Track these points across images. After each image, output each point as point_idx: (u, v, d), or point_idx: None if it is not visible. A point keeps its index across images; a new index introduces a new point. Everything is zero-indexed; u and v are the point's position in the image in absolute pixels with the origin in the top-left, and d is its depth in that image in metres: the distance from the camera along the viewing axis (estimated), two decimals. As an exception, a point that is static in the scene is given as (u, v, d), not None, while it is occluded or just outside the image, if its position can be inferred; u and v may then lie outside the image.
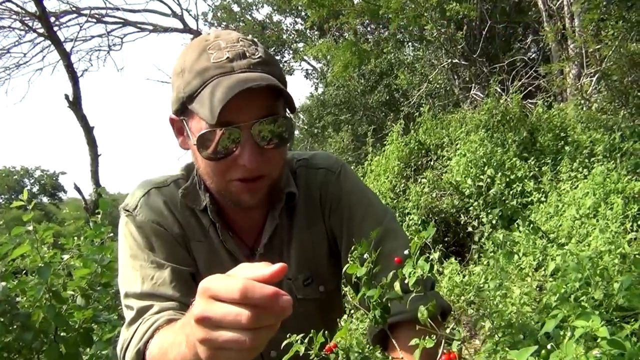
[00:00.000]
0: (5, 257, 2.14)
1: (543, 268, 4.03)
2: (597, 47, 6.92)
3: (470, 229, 5.75)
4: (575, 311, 0.85)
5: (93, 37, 12.69)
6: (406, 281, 0.84)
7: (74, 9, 11.53)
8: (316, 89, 19.45)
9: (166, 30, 15.05)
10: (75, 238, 2.57)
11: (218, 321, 0.65)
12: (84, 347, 2.18)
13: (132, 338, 1.04)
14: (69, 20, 11.66)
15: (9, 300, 2.00)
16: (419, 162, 7.33)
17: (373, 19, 12.44)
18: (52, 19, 10.03)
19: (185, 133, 1.11)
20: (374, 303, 0.90)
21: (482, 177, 5.91)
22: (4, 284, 2.04)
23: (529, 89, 8.79)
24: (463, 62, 10.08)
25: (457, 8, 8.98)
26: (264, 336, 0.65)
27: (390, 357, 0.97)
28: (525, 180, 5.68)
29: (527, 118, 6.61)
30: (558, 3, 8.53)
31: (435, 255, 0.83)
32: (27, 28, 10.17)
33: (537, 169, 5.80)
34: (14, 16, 9.78)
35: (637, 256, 3.20)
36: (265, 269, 0.65)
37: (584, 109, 6.91)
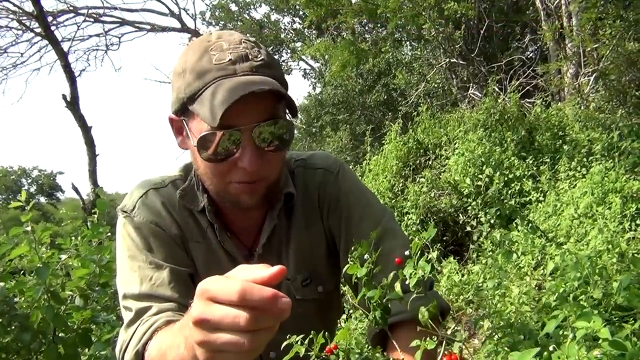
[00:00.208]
0: (3, 258, 2.14)
1: (542, 267, 4.03)
2: (595, 46, 6.92)
3: (468, 228, 5.75)
4: (575, 311, 0.85)
5: (90, 36, 12.69)
6: (406, 282, 0.83)
7: (71, 8, 11.52)
8: (314, 88, 19.47)
9: (164, 29, 15.03)
10: (73, 238, 2.56)
11: (216, 323, 0.64)
12: (82, 347, 2.18)
13: (130, 339, 1.03)
14: (67, 19, 11.68)
15: (7, 300, 2.00)
16: (417, 162, 7.34)
17: (371, 18, 12.43)
18: (50, 19, 10.01)
19: (185, 133, 1.10)
20: (374, 304, 0.89)
21: (480, 176, 5.91)
22: (2, 284, 2.03)
23: (527, 88, 8.80)
24: (461, 62, 10.08)
25: (455, 7, 8.98)
26: (262, 338, 0.64)
27: (391, 359, 0.96)
28: (524, 180, 5.68)
29: (525, 117, 6.61)
30: (556, 2, 8.53)
31: (434, 255, 0.83)
32: (24, 28, 10.15)
33: (535, 168, 5.81)
34: (11, 15, 9.77)
35: (635, 255, 3.20)
36: (264, 271, 0.64)
37: (582, 108, 6.91)
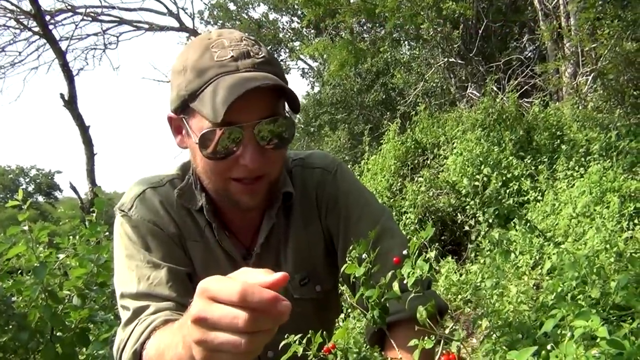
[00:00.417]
0: (1, 257, 2.13)
1: (539, 267, 4.04)
2: (593, 46, 6.93)
3: (466, 227, 5.76)
4: (573, 310, 0.85)
5: (89, 35, 12.68)
6: (405, 281, 0.83)
7: (69, 7, 11.49)
8: (312, 87, 19.49)
9: (162, 28, 15.01)
10: (71, 237, 2.55)
11: (215, 323, 0.64)
12: (80, 347, 2.17)
13: (128, 339, 1.03)
14: (65, 18, 11.64)
15: (4, 300, 1.99)
16: (416, 161, 7.34)
17: (369, 17, 12.43)
18: (47, 18, 9.98)
19: (185, 131, 1.10)
20: (373, 303, 0.89)
21: (478, 176, 5.91)
22: (-1, 283, 2.03)
23: (525, 87, 8.80)
24: (459, 61, 10.08)
25: (453, 7, 8.98)
26: (260, 340, 0.64)
27: (390, 359, 0.96)
28: (522, 179, 5.69)
29: (524, 117, 6.62)
30: (554, 2, 8.54)
31: (432, 254, 0.83)
32: (22, 26, 10.13)
33: (533, 168, 5.81)
34: (9, 14, 9.75)
35: (633, 255, 3.21)
36: (267, 276, 0.64)
37: (580, 107, 6.92)
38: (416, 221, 5.93)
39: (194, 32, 15.90)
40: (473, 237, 5.53)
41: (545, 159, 5.85)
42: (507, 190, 5.71)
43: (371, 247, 0.91)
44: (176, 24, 15.67)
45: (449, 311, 1.09)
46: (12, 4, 9.36)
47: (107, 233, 2.49)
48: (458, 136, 6.93)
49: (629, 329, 0.90)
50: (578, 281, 2.20)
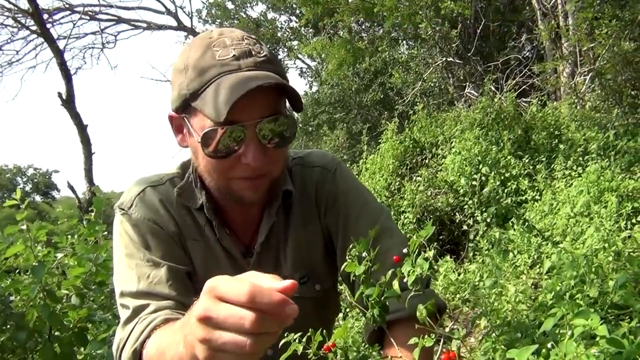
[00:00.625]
0: (-1, 256, 2.13)
1: (538, 266, 4.04)
2: (591, 45, 6.94)
3: (465, 227, 5.76)
4: (572, 309, 0.85)
5: (86, 34, 12.72)
6: (404, 280, 0.84)
7: (67, 6, 11.46)
8: (310, 87, 19.49)
9: (160, 27, 14.99)
10: (69, 237, 2.55)
11: (221, 321, 0.64)
12: (78, 346, 2.16)
13: (128, 338, 1.03)
14: (62, 17, 11.60)
15: (2, 299, 1.99)
16: (414, 161, 7.34)
17: (367, 17, 12.43)
18: (45, 16, 9.95)
19: (186, 130, 1.10)
20: (373, 302, 0.89)
21: (476, 175, 5.92)
22: (-3, 283, 2.02)
23: (523, 87, 8.81)
24: (457, 61, 10.09)
25: (451, 6, 8.99)
26: (264, 342, 0.64)
27: (389, 357, 0.96)
28: (520, 179, 5.70)
29: (522, 116, 6.62)
30: (552, 2, 8.55)
31: (430, 254, 0.83)
32: (19, 25, 10.10)
33: (531, 167, 5.82)
34: (6, 13, 9.70)
35: (631, 254, 3.21)
36: (277, 282, 0.65)
37: (578, 107, 6.93)
38: (414, 220, 5.93)
39: (192, 31, 15.88)
40: (471, 237, 5.53)
41: (543, 159, 5.86)
42: (505, 190, 5.71)
43: (370, 246, 0.92)
44: (174, 23, 15.66)
45: (448, 310, 1.10)
46: (9, 2, 9.33)
47: (105, 232, 2.49)
48: (456, 136, 6.93)
49: (628, 327, 0.90)
50: (576, 280, 2.20)
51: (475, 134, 6.53)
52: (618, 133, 5.63)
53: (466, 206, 5.87)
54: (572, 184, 5.06)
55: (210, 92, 0.99)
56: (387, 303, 0.92)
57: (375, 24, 14.83)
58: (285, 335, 0.87)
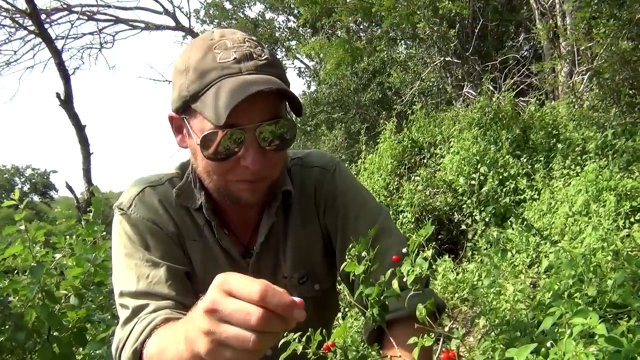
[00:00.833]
0: (-2, 257, 2.13)
1: (536, 265, 4.05)
2: (589, 45, 6.95)
3: (463, 226, 5.77)
4: (571, 308, 0.85)
5: (84, 34, 12.65)
6: (404, 279, 0.84)
7: (65, 6, 11.44)
8: (309, 87, 19.47)
9: (158, 27, 14.97)
10: (68, 237, 2.55)
11: (227, 315, 0.65)
12: (77, 346, 2.17)
13: (128, 337, 1.03)
14: (60, 17, 11.59)
15: (1, 300, 1.99)
16: (412, 160, 7.35)
17: (366, 16, 12.44)
18: (43, 16, 9.94)
19: (185, 131, 1.10)
20: (372, 301, 0.90)
21: (475, 174, 5.92)
22: (-4, 283, 2.02)
23: (521, 87, 8.83)
24: (455, 60, 10.10)
25: (449, 6, 9.00)
26: (267, 342, 0.65)
27: (389, 357, 0.97)
28: (518, 178, 5.70)
29: (520, 116, 6.63)
30: (550, 1, 8.56)
31: (429, 253, 0.83)
32: (17, 25, 10.08)
33: (529, 167, 5.83)
34: (4, 13, 9.68)
35: (629, 253, 3.22)
36: (286, 295, 0.65)
37: (576, 106, 6.93)
38: (413, 220, 5.94)
39: (190, 31, 15.87)
40: (470, 236, 5.54)
41: (542, 158, 5.87)
42: (504, 189, 5.72)
43: (369, 246, 0.92)
44: (172, 23, 15.64)
45: (447, 310, 1.10)
46: (7, 2, 9.32)
47: (103, 233, 2.49)
48: (454, 135, 6.94)
49: (626, 326, 0.91)
50: (575, 279, 2.20)
51: (473, 133, 6.54)
52: (616, 132, 5.63)
53: (465, 206, 5.88)
54: (570, 183, 5.07)
55: (210, 95, 0.99)
56: (387, 302, 0.92)
57: (374, 23, 14.83)
58: (285, 335, 0.87)
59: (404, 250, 0.86)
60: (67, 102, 8.77)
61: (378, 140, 8.09)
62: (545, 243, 4.06)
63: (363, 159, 8.09)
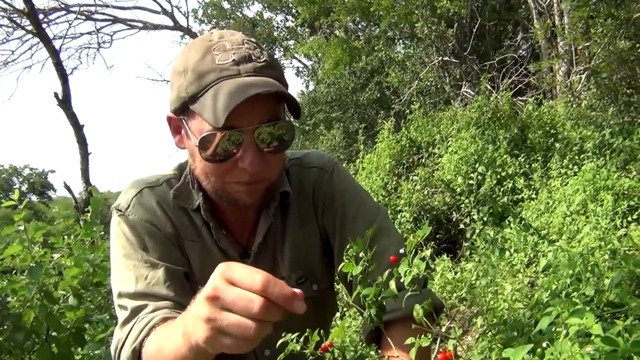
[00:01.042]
0: (-4, 257, 2.12)
1: (534, 264, 4.06)
2: (587, 44, 6.96)
3: (461, 226, 5.78)
4: (568, 308, 0.86)
5: (82, 34, 12.64)
6: (401, 280, 0.84)
7: (62, 6, 11.42)
8: (307, 86, 19.45)
9: (156, 27, 14.95)
10: (66, 237, 2.55)
11: (229, 302, 0.66)
12: (76, 347, 2.17)
13: (127, 337, 1.03)
14: (58, 17, 11.57)
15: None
16: (411, 160, 7.36)
17: (364, 16, 12.46)
18: (41, 16, 9.92)
19: (184, 132, 1.10)
20: (370, 302, 0.90)
21: (473, 174, 5.93)
22: (-6, 284, 2.02)
23: (519, 86, 8.84)
24: (453, 60, 10.10)
25: (447, 6, 9.01)
26: (264, 330, 0.66)
27: (387, 357, 0.97)
28: (516, 177, 5.71)
29: (518, 115, 6.64)
30: (548, 1, 8.57)
31: (427, 253, 0.84)
32: (15, 25, 10.06)
33: (527, 166, 5.84)
34: (2, 13, 9.67)
35: (627, 252, 3.23)
36: (287, 286, 0.67)
37: (574, 106, 6.95)
38: (411, 220, 5.94)
39: (188, 31, 15.86)
40: (468, 236, 5.55)
41: (539, 157, 5.88)
42: (502, 189, 5.73)
43: (367, 246, 0.92)
44: (170, 23, 15.62)
45: (445, 309, 1.10)
46: (5, 2, 9.30)
47: (102, 233, 2.49)
48: (453, 135, 6.95)
49: (623, 326, 0.91)
50: (572, 279, 2.21)
51: (471, 133, 6.55)
52: (613, 132, 5.64)
53: (463, 205, 5.89)
54: (568, 182, 5.08)
55: (209, 97, 0.99)
56: (384, 303, 0.92)
57: (372, 23, 14.83)
58: (283, 335, 0.87)
59: (402, 250, 0.86)
60: (65, 102, 8.76)
61: (376, 140, 8.10)
62: (543, 242, 4.07)
63: (361, 159, 8.10)
